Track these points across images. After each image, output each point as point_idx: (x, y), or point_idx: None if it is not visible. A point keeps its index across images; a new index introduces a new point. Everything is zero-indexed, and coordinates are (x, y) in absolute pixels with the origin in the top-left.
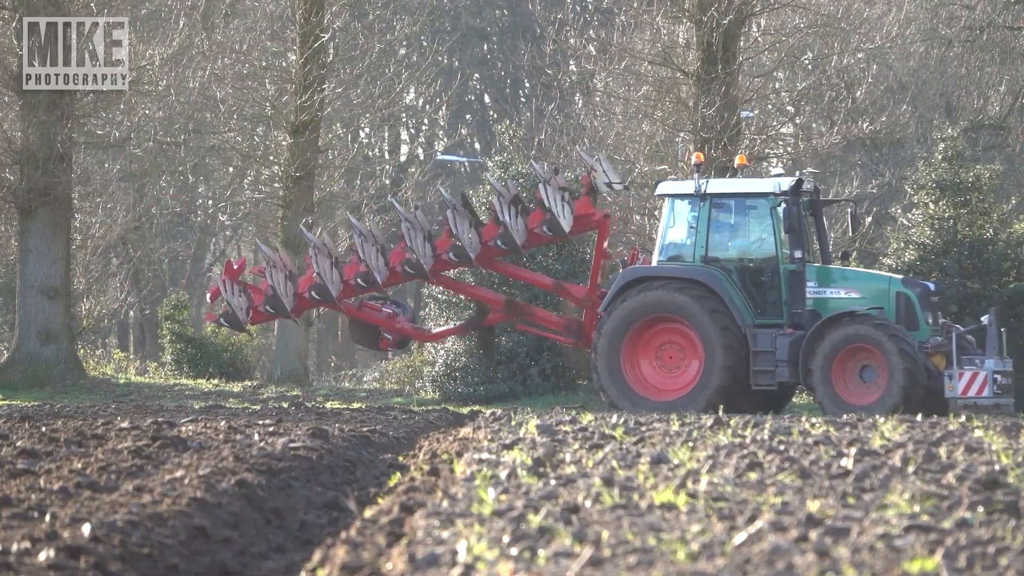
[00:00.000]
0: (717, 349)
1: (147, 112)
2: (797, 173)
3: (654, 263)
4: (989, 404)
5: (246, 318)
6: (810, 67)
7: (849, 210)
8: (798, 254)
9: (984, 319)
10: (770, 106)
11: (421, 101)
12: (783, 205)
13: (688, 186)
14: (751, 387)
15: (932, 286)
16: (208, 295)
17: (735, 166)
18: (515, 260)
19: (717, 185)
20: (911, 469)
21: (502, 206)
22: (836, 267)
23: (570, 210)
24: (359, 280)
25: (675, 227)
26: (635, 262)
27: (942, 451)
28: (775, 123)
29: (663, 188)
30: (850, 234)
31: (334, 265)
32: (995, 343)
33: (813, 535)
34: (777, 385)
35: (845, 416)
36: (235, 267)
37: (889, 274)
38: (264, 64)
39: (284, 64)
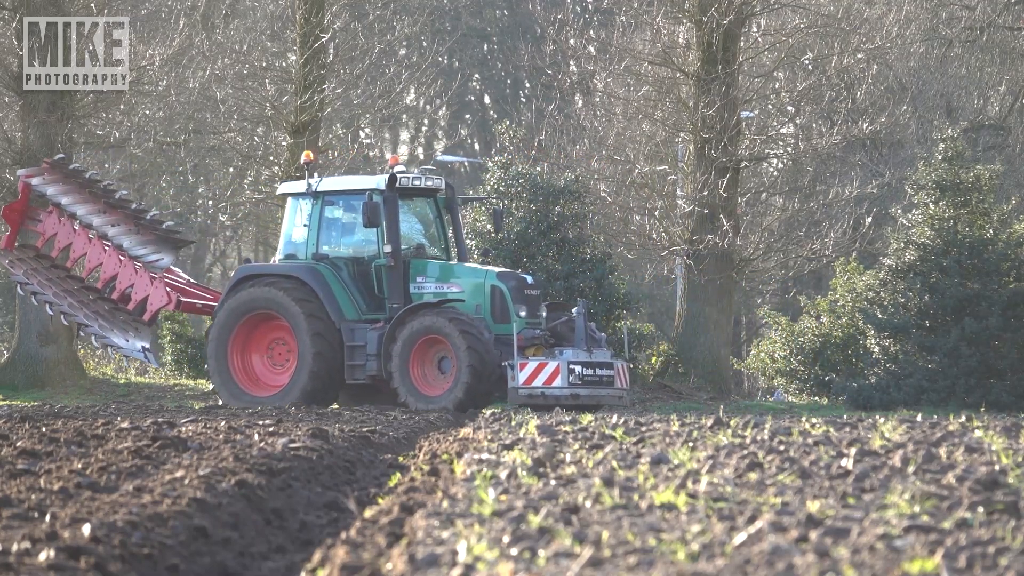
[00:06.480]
0: (306, 340)
1: (147, 112)
2: (398, 168)
3: (275, 261)
4: (563, 395)
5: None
6: (810, 67)
7: (494, 210)
8: (387, 249)
9: (574, 311)
10: (770, 106)
11: (421, 101)
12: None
13: (303, 185)
14: (346, 381)
15: (529, 279)
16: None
17: (301, 163)
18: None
19: (328, 183)
20: (911, 469)
21: None
22: (454, 264)
23: None
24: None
25: (295, 226)
26: None
27: (942, 451)
28: (775, 123)
29: (282, 188)
30: (495, 234)
31: None
32: (581, 335)
33: (813, 535)
34: (368, 379)
35: (845, 416)
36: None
37: (488, 268)
38: (264, 64)
39: (284, 64)
